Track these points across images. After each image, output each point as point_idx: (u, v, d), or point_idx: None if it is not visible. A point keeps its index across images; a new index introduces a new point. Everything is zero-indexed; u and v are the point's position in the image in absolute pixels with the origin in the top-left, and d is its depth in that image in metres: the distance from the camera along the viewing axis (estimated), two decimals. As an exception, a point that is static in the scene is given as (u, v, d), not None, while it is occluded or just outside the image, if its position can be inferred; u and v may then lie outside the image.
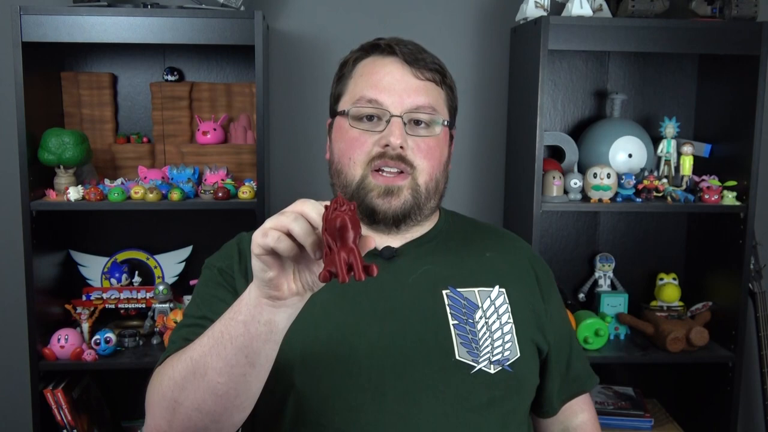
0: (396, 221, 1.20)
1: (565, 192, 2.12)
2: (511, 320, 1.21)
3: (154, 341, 2.11)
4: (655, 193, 2.13)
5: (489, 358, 1.16)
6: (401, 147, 1.16)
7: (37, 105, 2.00)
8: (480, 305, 1.20)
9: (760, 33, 2.01)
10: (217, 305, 1.14)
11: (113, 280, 2.20)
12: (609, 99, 2.29)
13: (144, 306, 2.19)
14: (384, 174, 1.18)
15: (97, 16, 1.92)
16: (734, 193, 2.10)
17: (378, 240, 1.22)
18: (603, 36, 2.01)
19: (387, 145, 1.16)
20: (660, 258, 2.42)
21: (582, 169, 2.15)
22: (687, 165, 2.17)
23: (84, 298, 2.19)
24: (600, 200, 2.09)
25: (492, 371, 1.16)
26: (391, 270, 1.20)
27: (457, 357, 1.15)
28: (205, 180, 2.10)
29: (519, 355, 1.19)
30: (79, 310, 2.09)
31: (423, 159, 1.19)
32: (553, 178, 2.09)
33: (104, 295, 2.18)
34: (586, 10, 2.03)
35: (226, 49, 2.21)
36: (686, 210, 2.25)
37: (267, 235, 0.85)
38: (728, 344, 2.16)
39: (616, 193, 2.11)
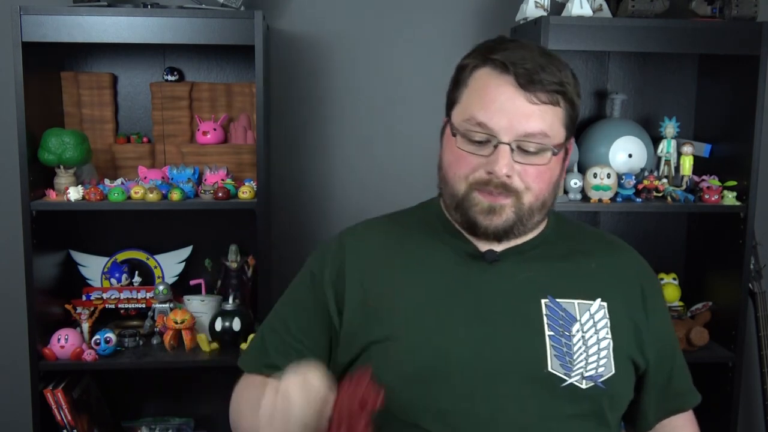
0: (497, 236, 1.17)
1: (565, 192, 2.12)
2: (609, 335, 1.17)
3: (154, 341, 2.11)
4: (655, 193, 2.12)
5: (582, 373, 1.13)
6: (507, 176, 1.12)
7: (37, 105, 2.00)
8: (578, 318, 1.17)
9: (760, 33, 2.01)
10: (300, 315, 1.22)
11: (113, 280, 2.20)
12: (609, 99, 2.29)
13: (144, 306, 2.19)
14: (489, 191, 1.14)
15: (97, 16, 1.92)
16: (734, 193, 2.10)
17: (481, 244, 1.20)
18: (603, 36, 2.01)
19: (491, 173, 1.12)
20: (660, 258, 2.41)
21: (582, 169, 2.14)
22: (687, 165, 2.16)
23: (84, 298, 2.19)
24: (600, 200, 2.09)
25: (584, 386, 1.13)
26: (491, 274, 1.18)
27: (549, 369, 1.12)
28: (205, 180, 2.10)
29: (614, 372, 1.15)
30: (79, 310, 2.09)
31: (532, 182, 1.14)
32: (553, 178, 2.09)
33: (104, 295, 2.18)
34: (586, 10, 2.03)
35: (226, 49, 2.21)
36: (686, 210, 2.25)
37: None
38: (728, 344, 2.16)
39: (616, 193, 2.10)
